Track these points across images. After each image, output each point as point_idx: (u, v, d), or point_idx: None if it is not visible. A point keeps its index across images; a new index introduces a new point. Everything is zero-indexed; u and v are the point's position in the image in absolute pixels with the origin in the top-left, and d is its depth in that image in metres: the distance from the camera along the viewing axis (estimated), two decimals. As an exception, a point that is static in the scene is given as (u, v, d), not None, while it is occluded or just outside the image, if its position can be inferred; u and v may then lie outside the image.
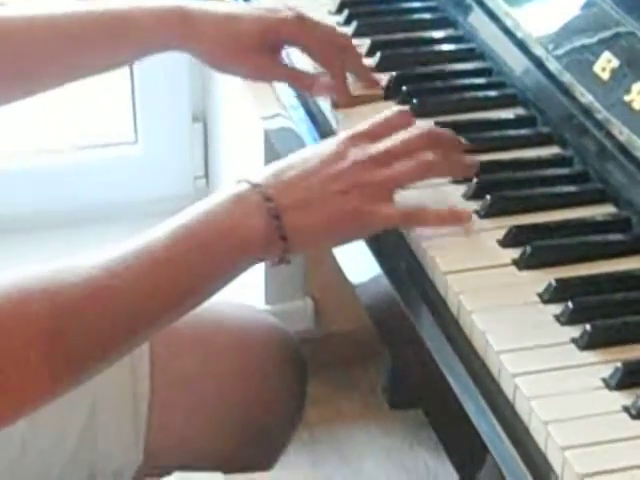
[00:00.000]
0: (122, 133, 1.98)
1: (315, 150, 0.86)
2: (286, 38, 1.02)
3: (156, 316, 0.78)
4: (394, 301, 0.88)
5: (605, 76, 0.89)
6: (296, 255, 0.84)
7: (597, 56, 0.91)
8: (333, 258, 1.00)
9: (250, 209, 0.81)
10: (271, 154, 1.62)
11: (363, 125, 0.87)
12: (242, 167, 1.83)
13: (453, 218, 0.87)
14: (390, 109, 0.90)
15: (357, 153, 0.84)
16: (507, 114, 1.01)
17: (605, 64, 0.89)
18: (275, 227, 0.81)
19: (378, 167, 0.84)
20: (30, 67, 0.99)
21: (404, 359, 0.94)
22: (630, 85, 0.87)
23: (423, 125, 0.89)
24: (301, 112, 1.10)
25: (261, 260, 0.83)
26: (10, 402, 0.72)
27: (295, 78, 1.05)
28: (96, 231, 1.91)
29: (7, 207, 1.88)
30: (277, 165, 0.85)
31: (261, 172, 0.84)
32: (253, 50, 1.01)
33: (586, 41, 0.94)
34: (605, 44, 0.91)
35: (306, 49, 1.04)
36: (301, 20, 1.02)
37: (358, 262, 0.96)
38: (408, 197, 0.88)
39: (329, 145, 0.86)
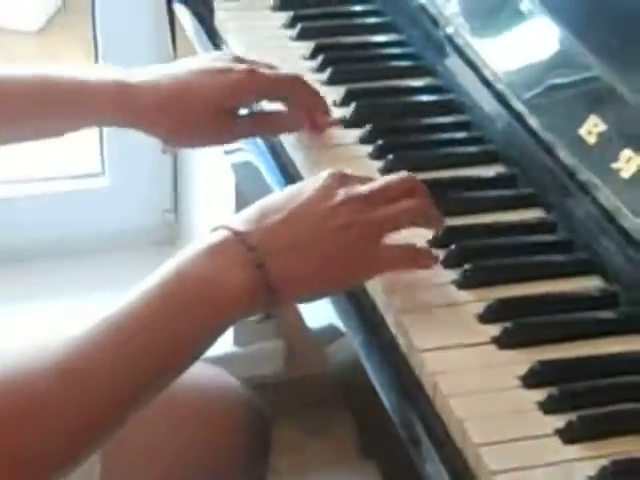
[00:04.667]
0: (89, 164, 1.92)
1: (298, 189, 0.80)
2: (243, 100, 0.97)
3: (135, 397, 0.72)
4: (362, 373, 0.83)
5: (591, 140, 0.84)
6: (285, 307, 0.77)
7: (583, 119, 0.86)
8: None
9: (231, 261, 0.74)
10: (242, 185, 1.58)
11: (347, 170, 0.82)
12: (213, 201, 1.78)
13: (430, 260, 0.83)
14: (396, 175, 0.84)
15: (347, 191, 0.79)
16: (487, 172, 0.96)
17: (591, 128, 0.84)
18: (260, 278, 0.74)
19: (371, 207, 0.79)
20: None
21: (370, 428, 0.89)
22: (618, 152, 0.81)
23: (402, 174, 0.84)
24: (262, 146, 1.05)
25: (247, 316, 0.76)
26: None
27: (260, 128, 1.00)
28: (61, 264, 1.87)
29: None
30: (258, 207, 0.78)
31: (240, 217, 0.78)
32: (208, 121, 0.95)
33: (571, 101, 0.89)
34: (591, 106, 0.86)
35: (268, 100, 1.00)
36: (253, 76, 0.96)
37: (325, 325, 0.92)
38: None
39: (313, 183, 0.80)
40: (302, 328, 1.69)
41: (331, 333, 0.92)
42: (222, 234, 0.76)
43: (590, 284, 0.83)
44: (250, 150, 1.08)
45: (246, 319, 0.78)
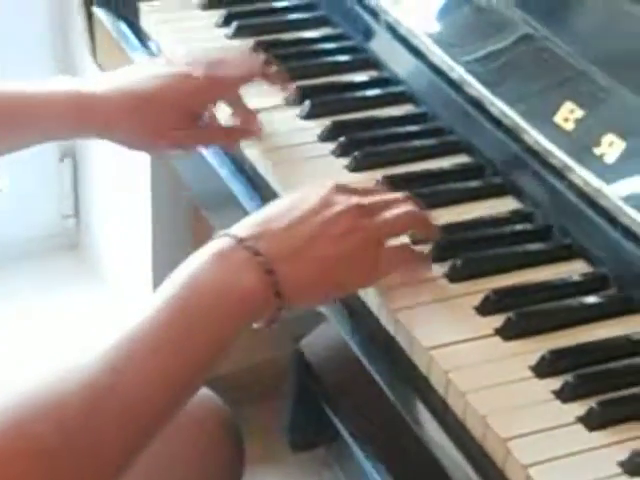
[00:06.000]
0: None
1: (297, 199, 0.80)
2: (202, 104, 0.96)
3: (168, 407, 0.70)
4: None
5: (568, 126, 0.85)
6: (290, 312, 0.77)
7: (557, 105, 0.86)
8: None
9: (239, 266, 0.74)
10: (158, 187, 1.55)
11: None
12: (120, 204, 1.74)
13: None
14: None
15: (346, 200, 0.80)
16: (451, 163, 0.96)
17: (568, 115, 0.85)
18: (269, 283, 0.74)
19: (368, 215, 0.80)
20: None
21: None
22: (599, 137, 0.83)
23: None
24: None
25: (255, 321, 0.76)
26: None
27: (222, 138, 0.99)
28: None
29: None
30: (259, 216, 0.79)
31: (242, 225, 0.78)
32: (169, 126, 0.94)
33: (540, 86, 0.90)
34: (563, 91, 0.87)
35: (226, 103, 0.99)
36: (212, 80, 0.95)
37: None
38: None
39: (312, 193, 0.80)
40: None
41: (306, 322, 0.91)
42: (226, 241, 0.75)
43: (574, 268, 0.84)
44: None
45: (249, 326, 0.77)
